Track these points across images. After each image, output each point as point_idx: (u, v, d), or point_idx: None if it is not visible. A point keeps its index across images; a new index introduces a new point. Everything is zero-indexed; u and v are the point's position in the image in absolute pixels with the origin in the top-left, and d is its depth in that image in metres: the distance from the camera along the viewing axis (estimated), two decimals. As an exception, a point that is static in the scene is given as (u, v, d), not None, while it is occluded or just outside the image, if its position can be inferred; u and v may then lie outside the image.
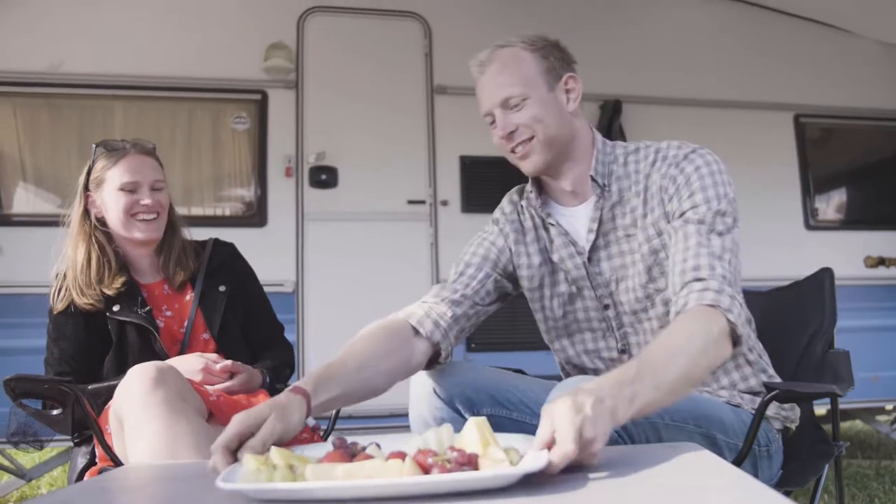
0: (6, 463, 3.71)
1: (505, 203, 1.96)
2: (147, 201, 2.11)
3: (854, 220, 4.79)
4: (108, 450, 1.78)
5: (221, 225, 3.90)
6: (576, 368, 1.88)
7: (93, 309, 2.06)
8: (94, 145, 2.18)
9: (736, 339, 1.46)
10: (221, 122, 4.04)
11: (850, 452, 4.74)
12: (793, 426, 1.78)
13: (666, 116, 4.35)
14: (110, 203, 2.12)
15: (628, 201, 1.73)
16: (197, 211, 4.01)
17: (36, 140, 3.86)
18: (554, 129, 1.71)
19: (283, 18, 4.15)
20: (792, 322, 1.98)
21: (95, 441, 1.88)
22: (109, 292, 2.07)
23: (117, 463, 1.75)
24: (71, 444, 2.01)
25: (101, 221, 2.16)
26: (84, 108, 3.94)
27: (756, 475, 1.62)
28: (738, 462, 1.53)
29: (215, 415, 1.84)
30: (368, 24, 4.28)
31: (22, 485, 3.83)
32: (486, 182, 4.25)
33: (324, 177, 4.05)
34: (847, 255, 4.56)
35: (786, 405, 1.76)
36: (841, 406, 4.45)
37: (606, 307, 1.78)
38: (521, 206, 1.90)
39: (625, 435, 1.40)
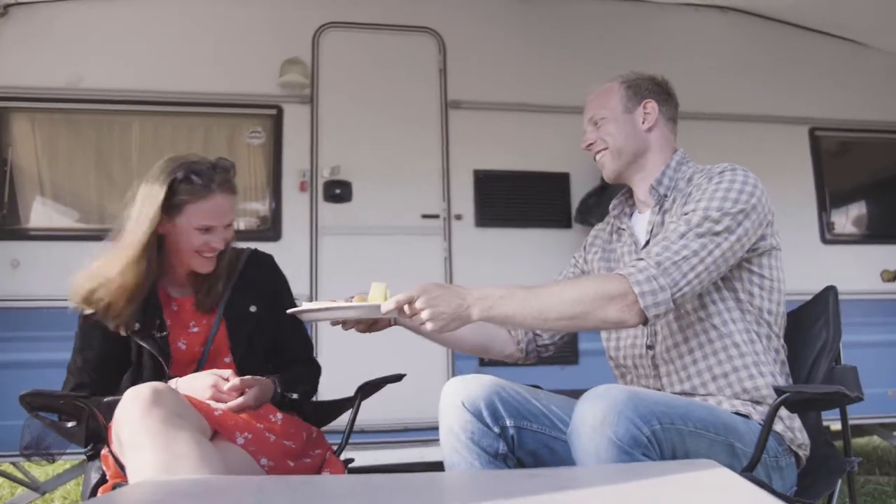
0: (20, 476, 3.73)
1: (606, 217, 2.24)
2: (217, 245, 2.08)
3: (870, 233, 4.75)
4: (119, 463, 1.78)
5: (236, 239, 3.91)
6: (612, 360, 2.09)
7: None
8: (177, 166, 2.05)
9: (642, 314, 1.67)
10: (237, 136, 4.06)
11: (867, 469, 4.69)
12: (802, 452, 1.81)
13: (680, 130, 4.32)
14: (181, 233, 2.05)
15: (675, 209, 1.91)
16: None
17: (54, 155, 3.89)
18: (622, 142, 2.01)
19: (298, 34, 4.18)
20: (799, 341, 2.01)
21: (104, 458, 1.88)
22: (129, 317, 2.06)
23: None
24: (84, 457, 2.01)
25: (161, 237, 2.08)
26: (102, 123, 3.97)
27: (770, 486, 1.67)
28: (750, 468, 1.60)
29: (220, 431, 1.84)
30: (383, 40, 4.30)
31: (36, 498, 3.85)
32: (499, 196, 4.26)
33: (338, 191, 4.06)
34: (863, 269, 4.52)
35: (796, 427, 1.80)
36: (857, 421, 4.42)
37: None
38: (609, 218, 2.20)
39: (653, 438, 1.49)
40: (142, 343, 2.04)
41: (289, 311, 1.88)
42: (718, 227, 1.74)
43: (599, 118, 2.03)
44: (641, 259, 1.72)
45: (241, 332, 2.13)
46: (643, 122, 2.02)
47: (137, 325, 2.05)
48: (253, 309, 2.15)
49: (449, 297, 1.68)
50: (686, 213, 1.80)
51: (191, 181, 2.03)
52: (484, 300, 1.69)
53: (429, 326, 1.69)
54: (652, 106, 2.02)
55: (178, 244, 2.07)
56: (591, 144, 2.06)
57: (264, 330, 2.17)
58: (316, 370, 2.31)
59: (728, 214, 1.75)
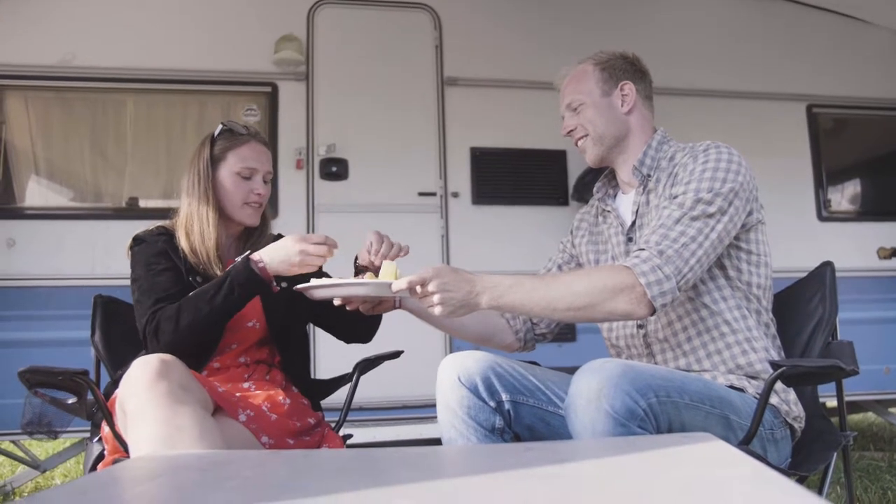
0: (21, 454, 3.75)
1: (590, 201, 2.24)
2: (261, 190, 2.19)
3: (867, 211, 4.76)
4: (118, 436, 1.79)
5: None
6: (606, 339, 2.10)
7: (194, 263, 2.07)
8: (220, 123, 2.23)
9: (650, 305, 1.68)
10: (232, 114, 4.04)
11: (862, 445, 4.73)
12: (797, 424, 1.83)
13: (678, 108, 4.30)
14: (225, 183, 2.17)
15: (660, 188, 1.93)
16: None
17: (48, 133, 3.88)
18: (603, 128, 2.00)
19: (293, 11, 4.16)
20: (796, 317, 2.03)
21: (103, 433, 1.89)
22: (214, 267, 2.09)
23: (128, 451, 1.75)
24: (86, 433, 2.01)
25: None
26: (95, 101, 3.95)
27: (765, 457, 1.70)
28: (747, 440, 1.61)
29: (222, 407, 1.84)
30: (378, 16, 4.28)
31: (36, 475, 3.87)
32: (496, 174, 4.25)
33: (334, 169, 4.05)
34: (860, 246, 4.54)
35: (791, 400, 1.82)
36: (853, 398, 4.45)
37: None
38: (593, 201, 2.20)
39: (649, 411, 1.50)
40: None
41: (297, 287, 1.87)
42: (711, 209, 1.75)
43: (578, 104, 2.03)
44: (643, 249, 1.72)
45: (275, 304, 2.13)
46: (622, 105, 2.01)
47: (200, 279, 2.07)
48: (284, 284, 2.12)
49: (460, 283, 1.68)
50: (676, 196, 1.80)
51: (229, 130, 2.21)
52: (493, 288, 1.69)
53: (438, 311, 1.68)
54: (629, 87, 2.01)
55: (225, 198, 2.17)
56: (571, 131, 2.06)
57: (299, 306, 2.15)
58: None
59: (719, 195, 1.76)
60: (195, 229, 2.12)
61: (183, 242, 2.10)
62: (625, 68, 2.04)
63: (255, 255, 1.96)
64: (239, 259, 1.99)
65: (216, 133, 2.21)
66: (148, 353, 1.92)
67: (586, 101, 2.01)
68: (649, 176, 1.97)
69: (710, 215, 1.75)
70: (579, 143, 2.05)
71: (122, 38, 3.94)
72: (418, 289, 1.68)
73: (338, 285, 1.83)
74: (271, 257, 1.95)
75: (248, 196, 2.17)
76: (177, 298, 1.99)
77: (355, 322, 2.15)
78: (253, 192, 2.17)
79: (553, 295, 1.70)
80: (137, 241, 2.13)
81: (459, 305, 1.68)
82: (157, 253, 2.08)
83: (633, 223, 1.97)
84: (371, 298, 1.90)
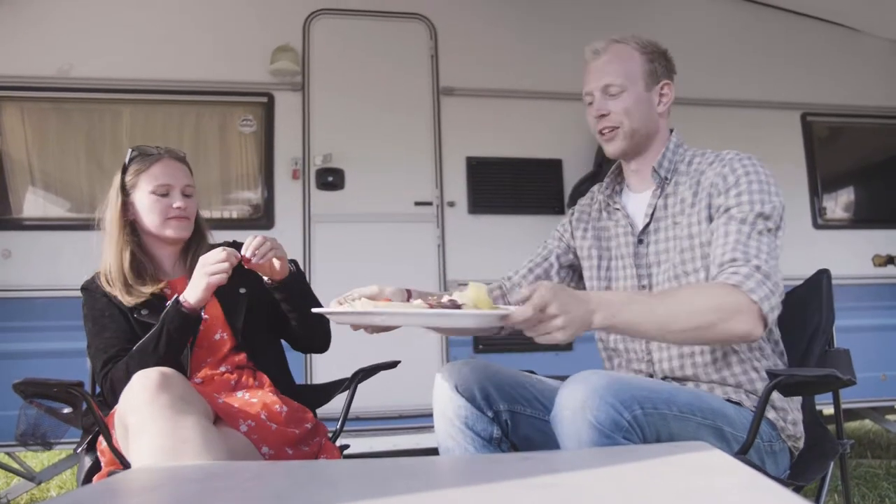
0: (16, 466, 3.73)
1: (588, 193, 2.19)
2: (179, 204, 2.16)
3: (862, 218, 4.77)
4: (115, 451, 1.78)
5: (229, 227, 3.89)
6: (601, 342, 2.03)
7: (133, 304, 2.07)
8: (129, 149, 2.21)
9: (765, 321, 1.60)
10: (228, 124, 4.05)
11: (859, 452, 4.72)
12: (792, 443, 1.81)
13: (673, 115, 4.30)
14: (143, 205, 2.15)
15: (681, 193, 1.88)
16: (204, 213, 3.96)
17: (45, 144, 3.87)
18: (638, 124, 1.91)
19: (289, 21, 4.16)
20: (792, 326, 2.01)
21: (99, 446, 1.88)
22: (146, 295, 2.08)
23: (125, 465, 1.75)
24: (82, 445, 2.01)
25: (133, 224, 2.18)
26: (92, 112, 3.95)
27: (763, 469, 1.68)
28: (744, 451, 1.60)
29: (222, 418, 1.84)
30: (374, 26, 4.29)
31: (31, 487, 3.85)
32: (492, 183, 4.26)
33: (330, 179, 4.06)
34: (855, 253, 4.55)
35: (789, 420, 1.79)
36: (850, 405, 4.43)
37: (643, 287, 1.90)
38: (594, 194, 2.14)
39: (634, 423, 1.47)
40: (148, 321, 2.04)
41: (384, 311, 1.56)
42: (771, 224, 1.72)
43: (619, 89, 1.88)
44: (735, 266, 1.64)
45: (235, 312, 2.15)
46: (658, 104, 1.93)
47: (146, 311, 2.07)
48: (242, 290, 2.15)
49: (576, 303, 1.49)
50: (728, 209, 1.74)
51: (139, 155, 2.20)
52: (607, 307, 1.53)
53: (560, 336, 1.46)
54: (669, 89, 1.94)
55: (146, 220, 2.16)
56: (604, 115, 1.91)
57: (261, 308, 2.18)
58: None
59: (775, 208, 1.73)
60: (107, 258, 2.13)
61: (103, 279, 2.11)
62: (666, 66, 1.96)
63: (181, 297, 1.97)
64: (169, 304, 1.99)
65: (127, 160, 2.20)
66: (108, 406, 1.96)
67: (629, 89, 1.89)
68: (667, 179, 1.92)
69: (771, 230, 1.72)
70: (607, 131, 1.92)
71: (118, 48, 3.94)
72: (537, 314, 1.46)
73: (436, 314, 1.51)
74: (193, 293, 1.96)
75: (167, 211, 2.15)
76: (125, 350, 2.01)
77: (311, 332, 2.23)
78: (171, 207, 2.16)
79: (670, 312, 1.58)
80: (83, 291, 2.15)
81: (579, 326, 1.49)
82: (99, 306, 2.10)
83: (647, 226, 1.92)
84: (475, 331, 1.71)
